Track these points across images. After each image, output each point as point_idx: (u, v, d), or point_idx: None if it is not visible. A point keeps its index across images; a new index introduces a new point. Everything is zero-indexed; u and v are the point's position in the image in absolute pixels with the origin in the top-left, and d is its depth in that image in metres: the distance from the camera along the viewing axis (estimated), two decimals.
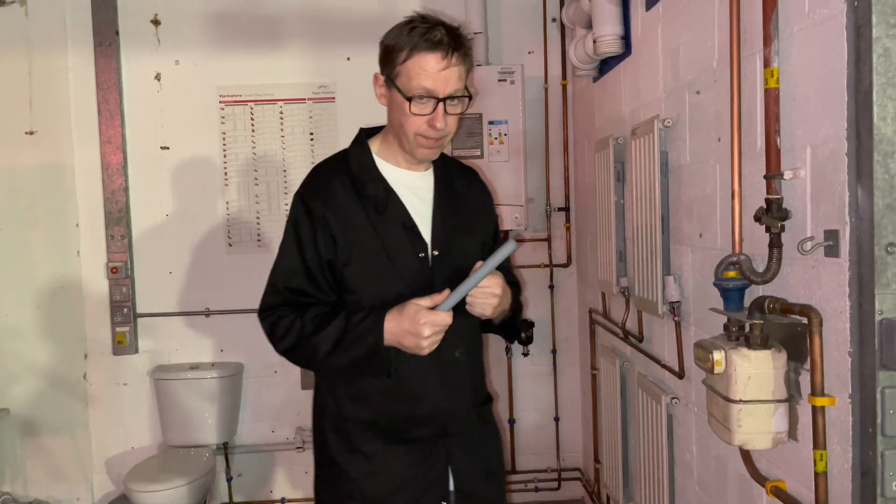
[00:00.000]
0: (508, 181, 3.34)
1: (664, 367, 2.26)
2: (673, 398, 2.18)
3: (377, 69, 1.65)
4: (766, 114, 1.45)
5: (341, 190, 1.57)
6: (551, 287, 3.67)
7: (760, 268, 1.55)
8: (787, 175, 1.42)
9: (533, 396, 3.71)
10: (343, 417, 1.60)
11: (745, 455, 1.63)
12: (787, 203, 1.46)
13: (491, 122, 3.33)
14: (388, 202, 1.58)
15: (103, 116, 3.48)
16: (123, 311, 3.52)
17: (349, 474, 1.58)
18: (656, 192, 2.18)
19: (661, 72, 2.24)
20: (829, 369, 1.34)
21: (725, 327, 1.56)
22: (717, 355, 1.47)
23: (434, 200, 1.63)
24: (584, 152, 3.40)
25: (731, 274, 1.56)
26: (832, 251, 1.31)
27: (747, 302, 1.58)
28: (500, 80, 3.33)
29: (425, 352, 1.47)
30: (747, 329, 1.50)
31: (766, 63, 1.44)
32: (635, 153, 2.37)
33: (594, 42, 2.67)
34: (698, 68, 1.94)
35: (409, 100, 1.49)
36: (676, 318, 2.10)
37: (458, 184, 1.70)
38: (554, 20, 3.60)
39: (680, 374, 2.12)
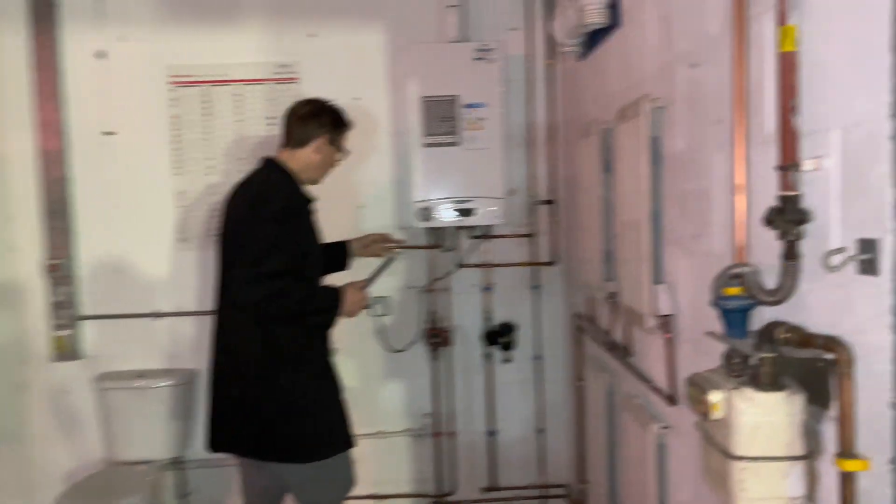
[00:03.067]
0: (486, 171, 3.00)
1: (654, 388, 1.94)
2: (663, 427, 1.86)
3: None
4: (781, 86, 1.12)
5: (303, 199, 2.33)
6: (535, 287, 3.35)
7: (770, 283, 1.23)
8: (808, 165, 1.10)
9: (515, 406, 3.40)
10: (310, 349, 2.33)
11: None
12: (806, 202, 1.13)
13: (467, 106, 2.99)
14: (312, 209, 2.37)
15: (40, 98, 3.14)
16: (64, 312, 3.20)
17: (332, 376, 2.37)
18: (646, 184, 1.85)
19: (653, 43, 1.91)
20: (863, 423, 1.02)
21: (726, 358, 1.23)
22: (715, 397, 1.15)
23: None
24: (570, 139, 3.07)
25: (734, 291, 1.23)
26: (869, 267, 0.98)
27: (754, 324, 1.26)
28: (476, 59, 2.98)
29: (356, 315, 2.38)
30: (754, 362, 1.18)
31: (781, 20, 1.11)
32: (622, 139, 2.04)
33: (579, 12, 2.33)
34: (695, 36, 1.61)
35: (344, 154, 2.48)
36: (668, 335, 1.78)
37: None
38: None
39: (671, 400, 1.80)
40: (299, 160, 2.36)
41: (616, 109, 2.22)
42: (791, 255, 1.11)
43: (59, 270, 3.17)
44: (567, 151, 3.17)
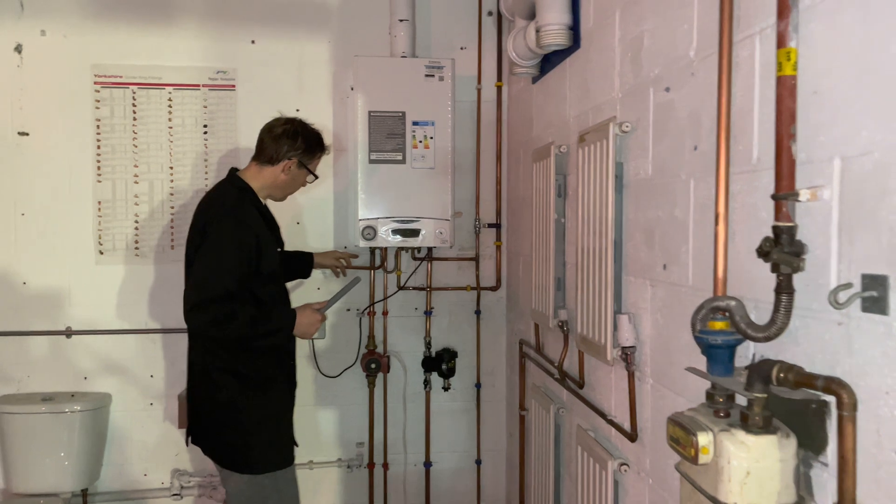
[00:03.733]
0: (433, 192, 2.90)
1: (611, 423, 1.87)
2: (622, 464, 1.78)
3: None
4: (779, 111, 1.07)
5: (257, 215, 2.28)
6: (478, 312, 3.25)
7: (754, 318, 1.17)
8: (804, 196, 1.04)
9: (452, 436, 3.28)
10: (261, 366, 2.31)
11: None
12: (799, 234, 1.08)
13: (415, 123, 2.90)
14: (272, 223, 2.38)
15: None
16: None
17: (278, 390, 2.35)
18: (608, 211, 1.79)
19: (618, 66, 1.86)
20: (865, 472, 0.96)
21: (709, 396, 1.16)
22: (704, 439, 1.07)
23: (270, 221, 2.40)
24: (519, 162, 3.01)
25: (720, 325, 1.16)
26: (876, 305, 0.93)
27: (738, 361, 1.20)
28: (427, 76, 2.90)
29: (312, 336, 2.36)
30: (741, 402, 1.11)
31: (781, 42, 1.06)
32: (582, 164, 1.98)
33: (537, 32, 2.28)
34: (669, 59, 1.56)
35: (314, 177, 2.46)
36: (631, 368, 1.71)
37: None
38: (490, 14, 3.21)
39: (632, 436, 1.73)
40: (265, 177, 2.34)
41: (574, 133, 2.17)
42: (785, 289, 1.05)
43: None
44: (514, 174, 3.11)
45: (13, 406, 2.83)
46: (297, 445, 2.41)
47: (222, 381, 2.25)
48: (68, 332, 2.97)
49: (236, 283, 2.13)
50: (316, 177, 2.45)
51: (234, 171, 2.39)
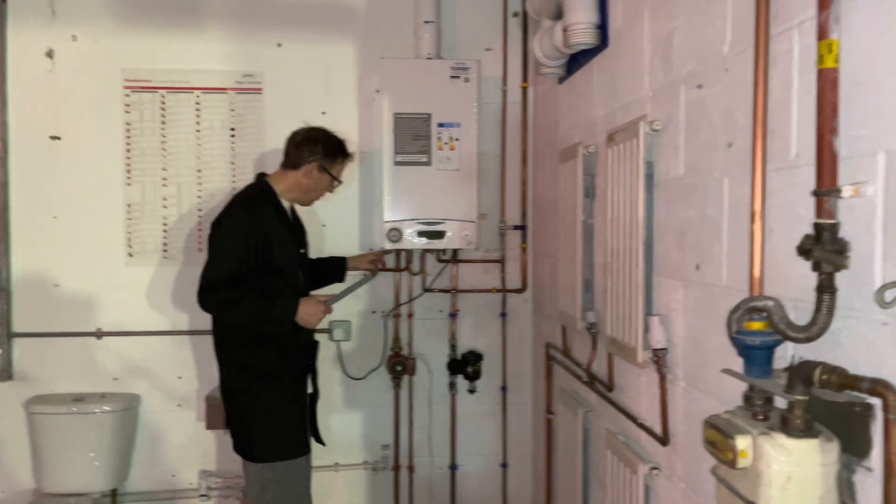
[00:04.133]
0: (459, 193, 2.89)
1: (641, 426, 1.84)
2: (653, 468, 1.75)
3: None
4: (820, 105, 1.04)
5: (272, 211, 2.39)
6: (503, 315, 3.23)
7: (793, 318, 1.14)
8: (847, 192, 1.01)
9: (478, 439, 3.26)
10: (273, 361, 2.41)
11: None
12: (842, 231, 1.05)
13: (441, 125, 2.89)
14: (291, 222, 2.50)
15: None
16: None
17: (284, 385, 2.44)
18: (639, 211, 1.76)
19: (648, 65, 1.83)
20: None
21: (747, 399, 1.13)
22: (743, 443, 1.04)
23: (292, 223, 2.54)
24: (545, 163, 2.99)
25: (758, 326, 1.13)
26: None
27: (775, 363, 1.17)
28: (452, 77, 2.89)
29: (314, 325, 2.42)
30: (781, 405, 1.08)
31: (822, 34, 1.03)
32: (611, 164, 1.95)
33: (564, 31, 2.26)
34: (701, 56, 1.54)
35: (338, 182, 2.55)
36: (662, 370, 1.68)
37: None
38: (516, 15, 3.19)
39: (663, 440, 1.69)
40: (288, 181, 2.46)
41: (601, 133, 2.14)
42: (827, 288, 1.02)
43: None
44: (540, 176, 3.09)
45: (44, 406, 2.86)
46: (318, 444, 2.51)
47: (226, 370, 2.41)
48: (99, 334, 3.01)
49: (240, 267, 2.27)
50: (340, 182, 2.55)
51: (260, 176, 2.50)
